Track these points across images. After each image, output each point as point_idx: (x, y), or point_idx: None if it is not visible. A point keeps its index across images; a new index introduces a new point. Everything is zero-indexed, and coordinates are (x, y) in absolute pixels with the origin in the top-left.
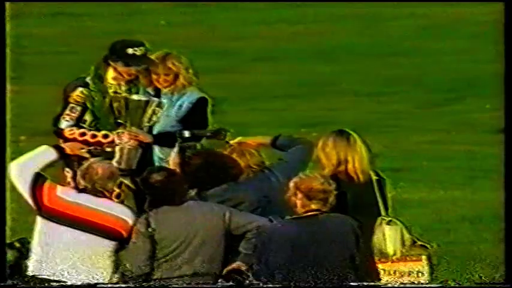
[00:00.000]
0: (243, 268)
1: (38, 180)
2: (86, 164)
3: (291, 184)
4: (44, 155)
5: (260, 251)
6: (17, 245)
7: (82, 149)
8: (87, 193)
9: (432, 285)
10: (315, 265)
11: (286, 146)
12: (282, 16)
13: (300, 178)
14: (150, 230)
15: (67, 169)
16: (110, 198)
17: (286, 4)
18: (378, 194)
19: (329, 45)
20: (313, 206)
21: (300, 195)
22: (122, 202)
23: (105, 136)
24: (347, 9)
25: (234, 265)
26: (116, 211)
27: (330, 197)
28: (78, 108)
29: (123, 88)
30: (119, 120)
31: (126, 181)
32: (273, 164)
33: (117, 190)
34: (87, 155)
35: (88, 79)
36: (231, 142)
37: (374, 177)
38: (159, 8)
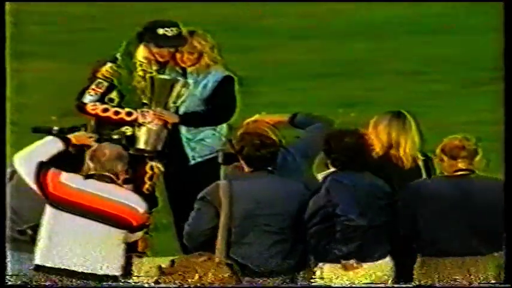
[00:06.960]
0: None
1: (41, 168)
2: (94, 147)
3: (437, 151)
4: (49, 145)
5: (405, 206)
6: (29, 232)
7: (90, 137)
8: (94, 179)
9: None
10: (464, 226)
11: (304, 124)
12: None
13: (443, 141)
14: None
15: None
16: (119, 185)
17: None
18: (425, 175)
19: (368, 23)
20: (460, 165)
21: (445, 158)
22: (138, 189)
23: (129, 114)
24: None
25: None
26: (125, 199)
27: (473, 154)
28: (105, 83)
29: (154, 68)
30: (144, 101)
31: (157, 163)
32: (289, 143)
33: (150, 172)
34: (94, 144)
35: (118, 55)
36: (247, 120)
37: (421, 158)
38: None
